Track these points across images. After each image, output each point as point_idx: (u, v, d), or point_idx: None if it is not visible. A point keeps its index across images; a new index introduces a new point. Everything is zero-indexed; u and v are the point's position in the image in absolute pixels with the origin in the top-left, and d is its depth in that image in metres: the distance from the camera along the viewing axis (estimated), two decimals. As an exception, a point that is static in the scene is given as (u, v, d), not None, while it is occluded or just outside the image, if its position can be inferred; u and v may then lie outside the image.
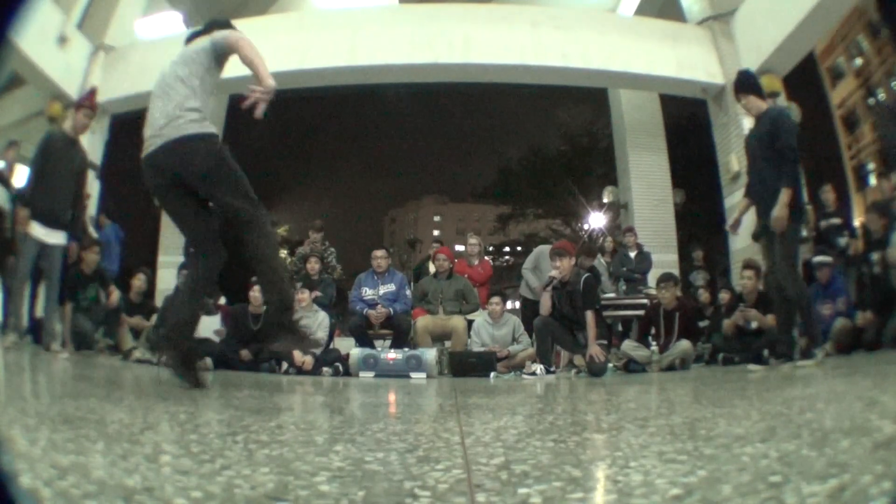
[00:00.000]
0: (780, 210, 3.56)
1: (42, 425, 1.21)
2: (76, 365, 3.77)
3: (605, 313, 5.17)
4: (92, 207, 6.95)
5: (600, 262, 6.70)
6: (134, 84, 7.74)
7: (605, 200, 11.14)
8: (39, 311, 4.62)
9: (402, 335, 5.26)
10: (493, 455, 1.09)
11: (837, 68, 20.12)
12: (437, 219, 52.59)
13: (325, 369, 4.81)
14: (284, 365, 4.97)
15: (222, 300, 5.59)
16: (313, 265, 5.73)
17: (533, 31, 7.78)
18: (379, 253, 5.54)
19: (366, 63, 7.76)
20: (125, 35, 8.44)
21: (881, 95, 18.11)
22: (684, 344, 4.67)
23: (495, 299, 5.31)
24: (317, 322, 5.06)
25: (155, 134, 2.59)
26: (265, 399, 2.27)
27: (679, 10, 8.63)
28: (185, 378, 2.49)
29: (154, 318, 5.51)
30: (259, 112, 2.55)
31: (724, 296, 5.60)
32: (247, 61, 2.62)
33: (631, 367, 4.72)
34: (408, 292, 5.52)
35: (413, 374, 4.42)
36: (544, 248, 5.75)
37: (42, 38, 6.96)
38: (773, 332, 4.39)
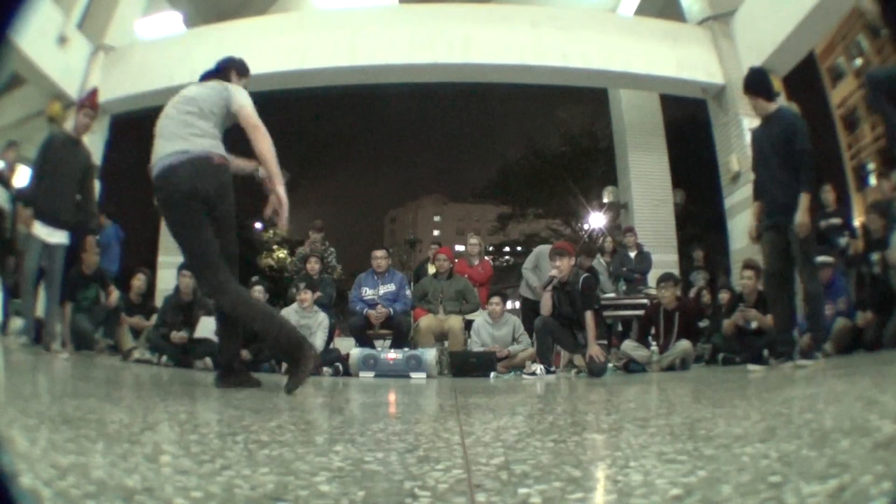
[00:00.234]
0: (802, 216, 3.62)
1: (42, 425, 1.21)
2: (76, 365, 3.78)
3: (605, 313, 5.17)
4: (91, 208, 6.96)
5: (599, 261, 6.71)
6: (134, 84, 7.76)
7: (605, 200, 11.15)
8: (39, 311, 4.64)
9: (402, 335, 5.26)
10: (493, 455, 1.09)
11: (837, 68, 20.14)
12: (437, 219, 52.64)
13: (325, 369, 4.81)
14: (284, 365, 4.97)
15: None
16: (313, 265, 5.73)
17: (533, 31, 7.79)
18: (379, 253, 5.55)
19: (366, 63, 7.77)
20: (125, 35, 8.44)
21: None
22: (684, 344, 4.67)
23: (495, 299, 5.31)
24: (317, 322, 5.07)
25: None
26: (265, 399, 2.27)
27: (679, 10, 8.64)
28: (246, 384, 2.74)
29: (154, 318, 5.51)
30: (282, 224, 2.85)
31: (724, 296, 5.59)
32: (261, 157, 2.71)
33: (631, 367, 4.72)
34: (408, 292, 5.53)
35: (413, 374, 4.42)
36: (544, 248, 5.75)
37: (42, 38, 6.96)
38: (773, 332, 4.40)
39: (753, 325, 4.80)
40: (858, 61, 19.08)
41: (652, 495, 0.78)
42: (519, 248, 25.17)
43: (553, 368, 4.55)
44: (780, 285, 3.86)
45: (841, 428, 1.19)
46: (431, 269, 6.10)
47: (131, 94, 7.73)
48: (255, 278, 5.37)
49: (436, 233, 48.30)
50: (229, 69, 2.99)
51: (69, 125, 4.46)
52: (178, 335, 4.95)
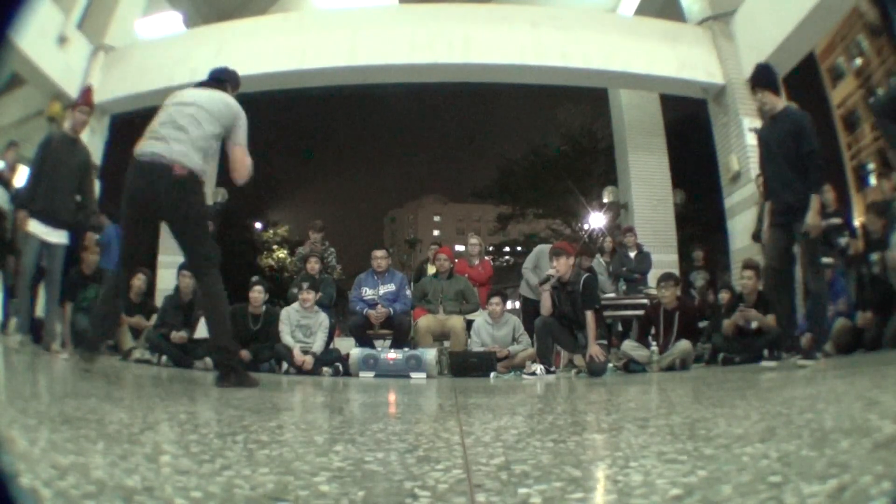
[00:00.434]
0: (813, 217, 3.62)
1: (42, 425, 1.21)
2: (76, 365, 3.77)
3: (605, 313, 5.16)
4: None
5: (599, 261, 6.71)
6: (134, 84, 7.75)
7: (605, 200, 11.12)
8: (39, 311, 4.64)
9: (402, 335, 5.26)
10: (493, 455, 1.09)
11: (837, 68, 20.14)
12: (436, 219, 52.65)
13: (325, 369, 4.81)
14: (284, 365, 4.97)
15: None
16: (313, 265, 5.73)
17: (533, 31, 7.78)
18: (379, 253, 5.55)
19: (366, 63, 7.76)
20: (125, 35, 8.44)
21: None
22: (684, 344, 4.67)
23: (495, 299, 5.31)
24: (317, 322, 5.07)
25: None
26: (265, 399, 2.27)
27: (679, 10, 8.63)
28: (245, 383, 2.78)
29: (154, 318, 5.51)
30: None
31: (724, 296, 5.59)
32: (233, 161, 2.96)
33: (631, 367, 4.72)
34: (408, 292, 5.53)
35: (413, 374, 4.42)
36: (544, 248, 5.75)
37: (42, 38, 6.96)
38: (773, 332, 4.41)
39: (753, 325, 4.80)
40: (858, 61, 19.09)
41: (652, 495, 0.78)
42: (519, 248, 25.16)
43: (553, 368, 4.55)
44: (781, 283, 3.86)
45: (841, 428, 1.19)
46: (431, 269, 6.10)
47: (131, 93, 7.71)
48: (255, 278, 5.36)
49: (436, 233, 48.33)
50: (227, 82, 3.13)
51: (68, 125, 4.45)
52: (177, 335, 4.95)
